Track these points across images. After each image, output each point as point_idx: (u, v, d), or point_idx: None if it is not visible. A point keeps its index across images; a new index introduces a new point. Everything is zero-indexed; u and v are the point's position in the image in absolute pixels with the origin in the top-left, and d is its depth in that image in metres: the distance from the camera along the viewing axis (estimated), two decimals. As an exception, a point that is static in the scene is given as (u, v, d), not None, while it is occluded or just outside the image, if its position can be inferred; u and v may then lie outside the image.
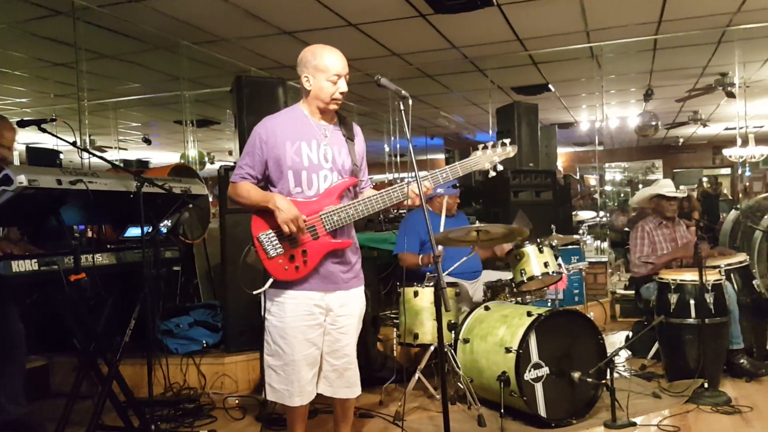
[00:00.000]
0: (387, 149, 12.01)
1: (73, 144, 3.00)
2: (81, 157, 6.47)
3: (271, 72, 7.45)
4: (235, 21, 5.66)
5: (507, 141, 2.56)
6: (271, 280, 2.45)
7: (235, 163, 4.86)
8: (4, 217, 2.78)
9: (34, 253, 2.78)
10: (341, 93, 2.45)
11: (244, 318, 4.25)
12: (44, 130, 2.91)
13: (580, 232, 6.67)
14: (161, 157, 15.10)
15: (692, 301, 3.77)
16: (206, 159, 12.78)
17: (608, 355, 3.41)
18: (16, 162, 9.12)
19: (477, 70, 7.86)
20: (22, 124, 2.94)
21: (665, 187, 4.77)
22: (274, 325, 2.49)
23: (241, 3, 5.24)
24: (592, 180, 16.61)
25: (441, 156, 15.46)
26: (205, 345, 4.42)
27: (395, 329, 4.10)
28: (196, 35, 6.09)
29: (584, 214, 9.83)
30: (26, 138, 10.18)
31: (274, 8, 5.43)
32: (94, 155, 3.24)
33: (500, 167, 2.57)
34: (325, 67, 2.42)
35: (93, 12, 5.29)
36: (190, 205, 3.59)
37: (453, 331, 3.70)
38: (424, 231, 4.16)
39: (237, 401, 3.95)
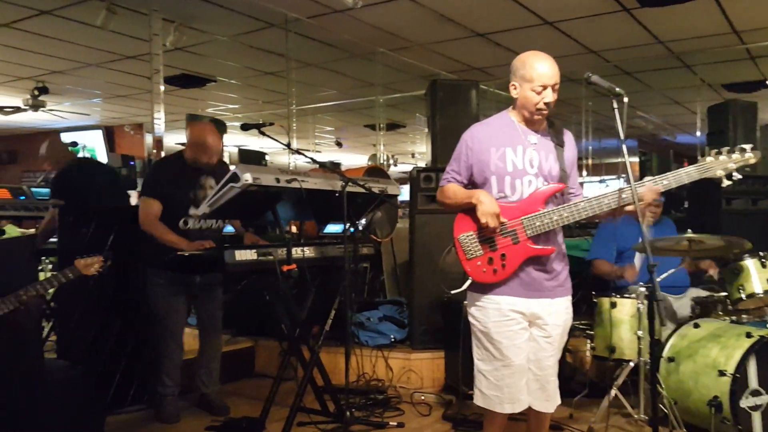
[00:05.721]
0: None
1: (287, 146, 3.26)
2: (290, 159, 7.07)
3: (460, 75, 7.51)
4: (429, 25, 5.79)
5: (748, 147, 2.28)
6: (469, 281, 2.45)
7: (427, 165, 5.02)
8: (232, 210, 3.11)
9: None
10: (545, 103, 2.37)
11: (429, 317, 4.32)
12: (263, 134, 3.22)
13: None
14: (349, 159, 15.94)
15: None
16: (391, 161, 13.26)
17: None
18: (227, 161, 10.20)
19: (684, 66, 7.27)
20: (245, 127, 3.29)
21: None
22: (480, 329, 2.48)
23: (436, 7, 5.35)
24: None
25: (634, 159, 14.43)
26: (393, 339, 4.56)
27: (588, 341, 3.90)
28: (391, 42, 6.33)
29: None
30: (236, 140, 11.32)
31: (467, 10, 5.46)
32: (305, 156, 3.49)
33: (737, 176, 2.30)
34: (531, 77, 2.37)
35: (302, 23, 5.73)
36: (382, 205, 3.73)
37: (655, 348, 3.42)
38: (624, 239, 3.90)
39: (423, 397, 4.02)
